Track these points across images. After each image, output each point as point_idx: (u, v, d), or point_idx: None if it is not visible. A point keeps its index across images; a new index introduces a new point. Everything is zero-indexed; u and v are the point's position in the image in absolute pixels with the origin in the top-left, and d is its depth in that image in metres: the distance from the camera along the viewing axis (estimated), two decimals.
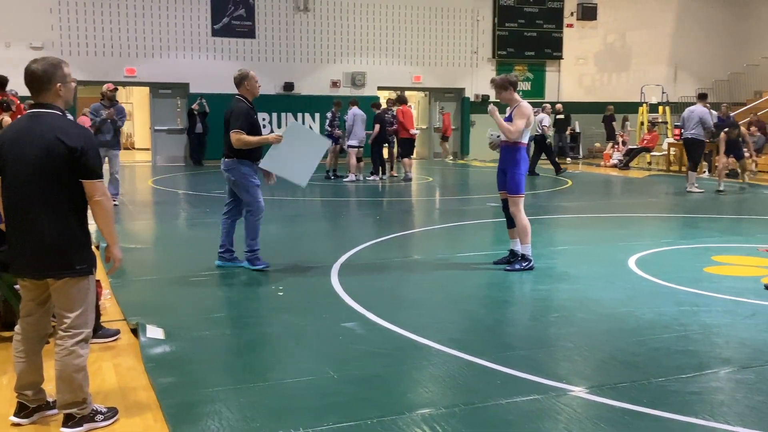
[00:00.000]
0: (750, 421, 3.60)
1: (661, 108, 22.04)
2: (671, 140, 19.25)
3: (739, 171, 14.12)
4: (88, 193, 3.45)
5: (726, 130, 14.16)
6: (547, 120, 17.65)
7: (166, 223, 10.47)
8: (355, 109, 15.99)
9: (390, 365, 4.40)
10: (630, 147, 20.39)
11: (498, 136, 7.05)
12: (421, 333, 4.96)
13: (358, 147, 15.93)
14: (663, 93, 22.70)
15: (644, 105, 21.62)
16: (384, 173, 16.32)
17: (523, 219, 6.90)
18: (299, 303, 5.88)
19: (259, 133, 6.90)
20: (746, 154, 14.06)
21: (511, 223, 7.06)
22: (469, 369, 4.33)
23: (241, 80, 6.94)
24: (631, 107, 22.47)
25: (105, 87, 11.36)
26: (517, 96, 6.95)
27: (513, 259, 7.06)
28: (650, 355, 4.56)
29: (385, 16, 22.03)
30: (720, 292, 6.07)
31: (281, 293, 6.16)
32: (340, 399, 3.87)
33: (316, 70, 21.47)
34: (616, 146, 20.90)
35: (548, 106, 18.43)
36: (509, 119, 6.90)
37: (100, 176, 3.49)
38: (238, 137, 6.68)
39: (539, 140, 17.65)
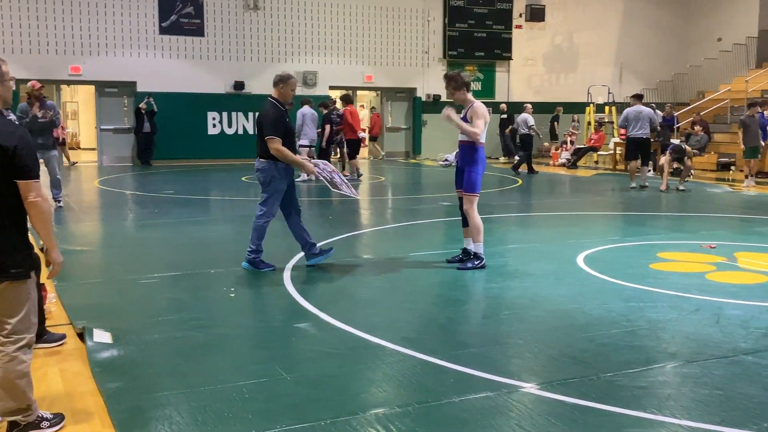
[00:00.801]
0: (696, 414, 3.69)
1: (607, 108, 22.46)
2: (617, 140, 19.64)
3: (682, 168, 14.47)
4: (23, 193, 3.33)
5: (670, 151, 14.51)
6: (531, 120, 18.00)
7: (114, 225, 10.26)
8: (305, 108, 15.90)
9: (343, 365, 4.39)
10: (577, 146, 20.75)
11: (446, 161, 7.05)
12: (374, 332, 4.96)
13: (309, 146, 15.87)
14: (609, 93, 23.15)
15: (591, 105, 22.02)
16: None
17: (476, 218, 6.95)
18: (251, 304, 5.83)
19: (293, 138, 6.88)
20: (688, 163, 14.40)
21: (466, 222, 7.11)
22: (423, 368, 4.34)
23: (278, 81, 6.84)
24: (579, 107, 22.86)
25: (30, 85, 11.02)
26: (470, 96, 6.99)
27: (466, 257, 7.11)
28: (599, 351, 4.64)
29: (336, 16, 21.99)
30: (665, 288, 6.21)
31: (233, 295, 6.09)
32: (293, 400, 3.84)
33: (267, 69, 21.27)
34: (564, 145, 21.27)
35: (529, 105, 18.76)
36: (464, 117, 6.93)
37: (34, 176, 3.36)
38: (276, 147, 6.62)
39: (525, 139, 17.97)
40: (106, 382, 4.10)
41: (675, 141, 17.84)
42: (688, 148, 14.89)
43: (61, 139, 20.05)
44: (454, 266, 7.01)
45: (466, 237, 7.18)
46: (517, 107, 22.50)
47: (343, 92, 23.76)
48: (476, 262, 6.95)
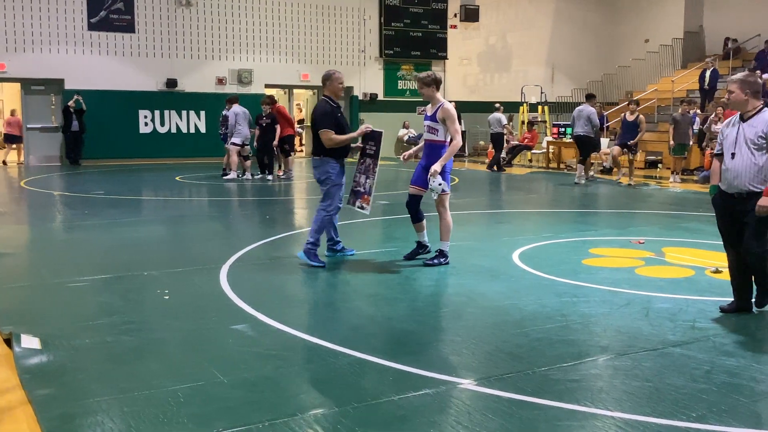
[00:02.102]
0: (627, 405, 3.79)
1: (540, 108, 22.89)
2: (550, 138, 20.05)
3: (628, 165, 15.23)
4: None
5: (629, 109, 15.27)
6: (504, 119, 18.62)
7: (41, 227, 9.93)
8: (236, 107, 15.54)
9: (281, 366, 4.35)
10: (512, 145, 21.10)
11: (439, 184, 6.98)
12: (312, 332, 4.93)
13: (242, 145, 15.64)
14: (542, 93, 23.61)
15: (524, 105, 22.41)
16: (270, 172, 15.78)
17: (448, 216, 7.07)
18: (186, 306, 5.72)
19: (343, 132, 7.04)
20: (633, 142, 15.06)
21: (415, 218, 7.22)
22: (361, 367, 4.34)
23: (324, 80, 7.16)
24: (513, 107, 23.24)
25: None
26: (439, 95, 7.08)
27: (422, 250, 7.25)
28: (533, 346, 4.72)
29: (272, 13, 21.79)
30: (597, 283, 6.37)
31: (167, 297, 5.97)
32: (229, 404, 3.79)
33: (201, 66, 20.98)
34: None
35: (499, 105, 19.36)
36: (433, 117, 7.00)
37: None
38: (328, 137, 6.93)
39: (497, 138, 18.45)
40: (34, 389, 3.96)
41: (605, 140, 18.41)
42: (642, 116, 15.40)
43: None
44: (421, 263, 7.09)
45: (419, 231, 7.31)
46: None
47: (278, 90, 23.58)
48: (442, 260, 7.08)
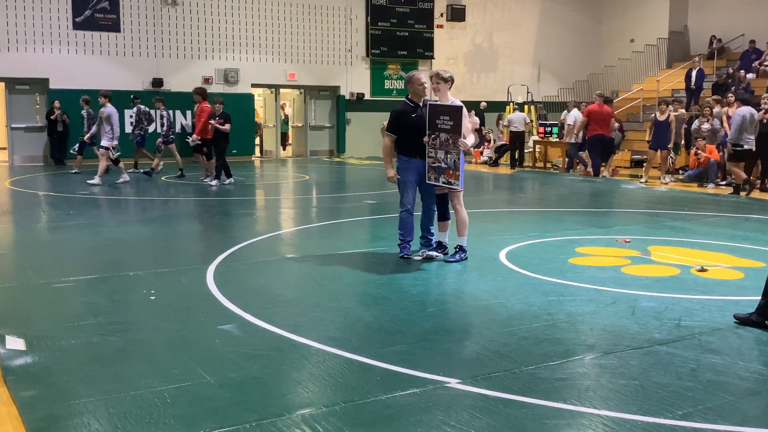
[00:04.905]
0: (613, 404, 3.80)
1: (526, 107, 22.93)
2: (536, 138, 20.10)
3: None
4: None
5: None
6: (528, 117, 19.39)
7: (26, 227, 9.86)
8: (110, 106, 14.07)
9: (268, 366, 4.34)
10: (499, 144, 21.14)
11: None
12: (299, 332, 4.92)
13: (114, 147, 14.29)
14: (528, 92, 23.66)
15: (511, 104, 22.46)
16: (230, 176, 14.56)
17: (464, 212, 7.19)
18: (173, 307, 5.69)
19: (410, 135, 7.17)
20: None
21: (443, 216, 7.38)
22: (348, 366, 4.34)
23: (406, 82, 7.47)
24: (499, 106, 23.29)
25: None
26: (450, 94, 7.17)
27: (440, 250, 7.36)
28: (520, 345, 4.73)
29: (258, 12, 21.73)
30: (583, 281, 6.39)
31: (153, 297, 5.94)
32: (216, 404, 3.77)
33: (187, 66, 20.88)
34: (486, 143, 21.63)
35: (528, 106, 20.07)
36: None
37: None
38: (384, 141, 7.38)
39: (519, 137, 19.02)
40: (19, 390, 3.93)
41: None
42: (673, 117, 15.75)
43: None
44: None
45: (442, 231, 7.43)
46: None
47: (265, 90, 23.50)
48: (463, 255, 7.18)
